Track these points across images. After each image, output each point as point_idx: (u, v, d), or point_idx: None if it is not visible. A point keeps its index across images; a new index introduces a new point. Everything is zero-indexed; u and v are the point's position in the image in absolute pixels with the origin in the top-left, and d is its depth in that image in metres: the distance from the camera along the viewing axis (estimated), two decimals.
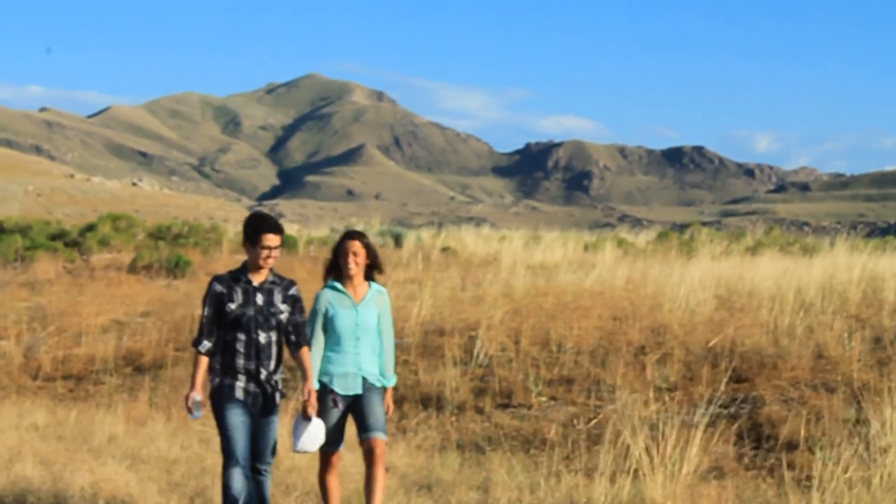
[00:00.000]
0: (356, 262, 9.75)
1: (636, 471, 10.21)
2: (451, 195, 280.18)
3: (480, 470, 11.49)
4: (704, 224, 70.60)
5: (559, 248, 32.49)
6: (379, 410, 9.68)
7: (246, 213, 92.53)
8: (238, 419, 9.19)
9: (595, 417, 12.77)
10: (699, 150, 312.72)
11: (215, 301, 9.29)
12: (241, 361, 9.25)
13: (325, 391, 9.62)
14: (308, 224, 67.88)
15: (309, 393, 9.34)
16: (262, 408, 9.33)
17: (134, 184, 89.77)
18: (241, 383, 9.25)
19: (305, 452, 9.59)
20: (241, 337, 9.25)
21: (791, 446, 11.20)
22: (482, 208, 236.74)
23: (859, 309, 17.55)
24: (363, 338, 9.74)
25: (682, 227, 56.13)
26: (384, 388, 9.85)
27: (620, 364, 14.23)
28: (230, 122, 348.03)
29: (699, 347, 14.72)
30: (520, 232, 41.63)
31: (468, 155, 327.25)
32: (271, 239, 9.31)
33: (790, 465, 10.69)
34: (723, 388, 13.22)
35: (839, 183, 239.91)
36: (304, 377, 9.39)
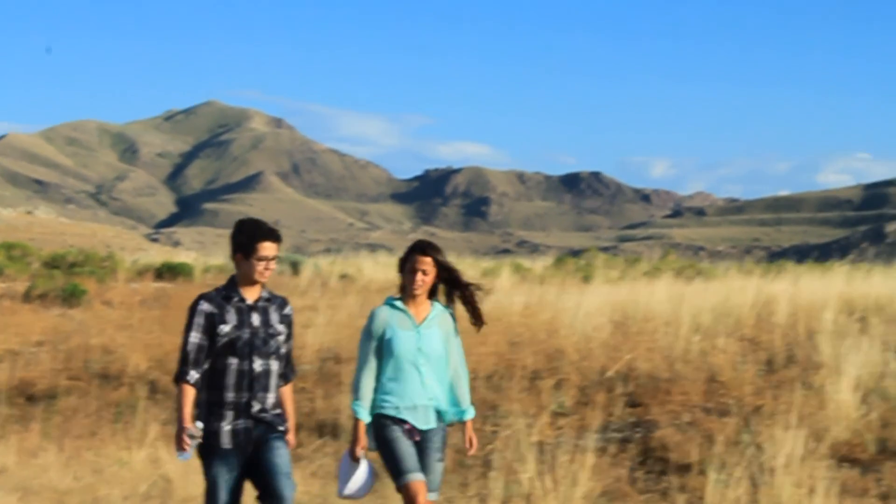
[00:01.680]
0: (424, 281, 8.49)
1: (529, 496, 10.25)
2: (350, 222, 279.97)
3: (376, 497, 11.47)
4: (602, 249, 71.17)
5: None
6: (438, 466, 8.44)
7: (143, 242, 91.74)
8: (223, 477, 8.06)
9: (490, 443, 12.79)
10: (596, 175, 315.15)
11: (206, 323, 8.03)
12: (229, 395, 8.04)
13: (393, 423, 8.34)
14: (206, 252, 67.44)
15: (289, 443, 8.20)
16: (260, 439, 8.09)
17: (29, 212, 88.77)
18: (226, 425, 8.01)
19: (354, 499, 8.47)
20: (234, 364, 8.03)
21: (684, 469, 11.30)
22: (381, 235, 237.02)
23: (753, 332, 17.75)
24: (426, 364, 8.44)
25: (580, 253, 56.51)
26: (457, 423, 8.61)
27: (516, 389, 14.27)
28: (128, 150, 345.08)
29: (595, 372, 14.80)
30: None
31: (367, 181, 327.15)
32: (269, 248, 8.11)
33: (683, 488, 10.78)
34: (618, 412, 13.32)
35: (734, 208, 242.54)
36: (274, 424, 8.15)
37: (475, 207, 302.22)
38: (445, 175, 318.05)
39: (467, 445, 8.60)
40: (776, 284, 23.00)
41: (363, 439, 8.33)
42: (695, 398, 13.87)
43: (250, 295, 8.16)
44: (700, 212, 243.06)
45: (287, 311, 8.31)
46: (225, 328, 8.02)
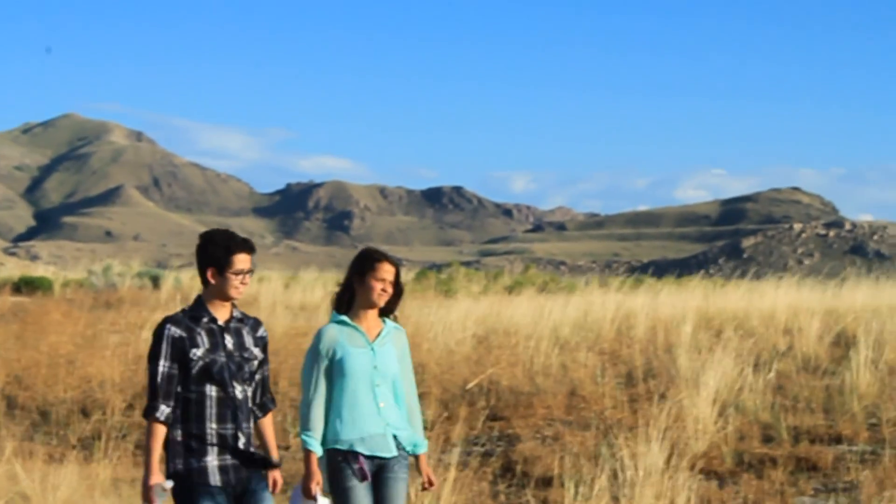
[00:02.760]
0: (388, 293, 7.68)
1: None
2: None
3: None
4: (464, 263, 71.35)
5: (319, 288, 32.50)
6: (401, 499, 7.63)
7: (0, 255, 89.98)
8: None
9: None
10: (458, 190, 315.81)
11: (174, 349, 7.10)
12: (212, 426, 7.09)
13: (342, 459, 7.47)
14: (65, 266, 66.44)
15: (273, 481, 7.30)
16: (247, 485, 7.18)
17: None
18: (213, 460, 7.09)
19: None
20: (213, 393, 7.10)
21: (545, 483, 11.38)
22: None
23: (613, 346, 17.96)
24: (383, 384, 7.60)
25: (442, 267, 56.64)
26: (416, 456, 7.76)
27: None
28: None
29: (457, 386, 14.86)
30: (280, 272, 41.47)
31: (229, 195, 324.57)
32: (244, 260, 7.23)
33: (544, 501, 10.86)
34: (480, 426, 13.38)
35: (594, 223, 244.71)
36: (268, 459, 7.31)
37: (337, 221, 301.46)
38: (307, 189, 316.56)
39: (424, 482, 7.74)
40: (636, 299, 23.29)
41: (317, 474, 7.46)
42: (556, 412, 13.98)
43: (220, 314, 7.27)
44: (561, 226, 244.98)
45: (261, 332, 7.42)
46: (197, 352, 7.10)
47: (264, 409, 7.41)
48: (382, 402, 7.57)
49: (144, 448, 7.12)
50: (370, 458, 7.51)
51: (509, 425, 13.53)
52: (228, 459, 7.12)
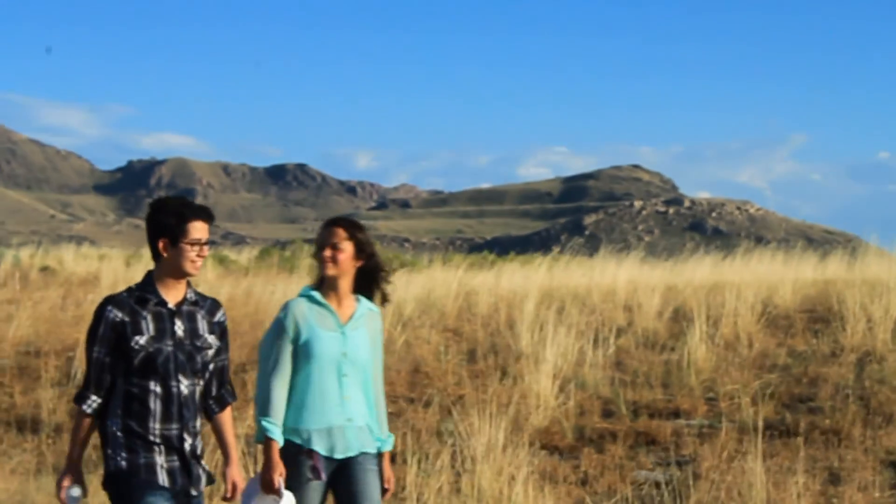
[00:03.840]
0: (335, 261, 6.81)
1: (220, 488, 10.21)
2: (52, 213, 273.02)
3: None
4: (308, 241, 71.17)
5: None
6: (376, 490, 6.86)
7: None
8: None
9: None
10: (302, 167, 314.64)
11: (112, 334, 6.27)
12: (155, 425, 6.29)
13: (297, 453, 6.72)
14: None
15: (233, 484, 6.57)
16: (188, 492, 6.40)
17: None
18: (160, 460, 6.29)
19: None
20: (155, 387, 6.27)
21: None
22: (84, 227, 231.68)
23: (456, 323, 18.06)
24: (351, 374, 6.79)
25: (286, 244, 56.40)
26: (379, 454, 6.97)
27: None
28: None
29: None
30: (122, 250, 40.99)
31: (69, 173, 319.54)
32: (201, 228, 6.36)
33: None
34: None
35: (438, 200, 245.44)
36: (227, 457, 6.57)
37: None
38: (149, 166, 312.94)
39: (384, 483, 6.95)
40: (479, 276, 23.45)
41: (280, 465, 6.64)
42: (399, 389, 14.04)
43: (172, 296, 6.39)
44: (405, 204, 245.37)
45: (219, 317, 6.55)
46: (140, 340, 6.25)
47: (222, 403, 6.59)
48: (347, 394, 6.79)
49: (70, 441, 6.40)
50: (327, 458, 6.74)
51: None
52: (176, 462, 6.32)
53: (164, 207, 6.40)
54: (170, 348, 6.29)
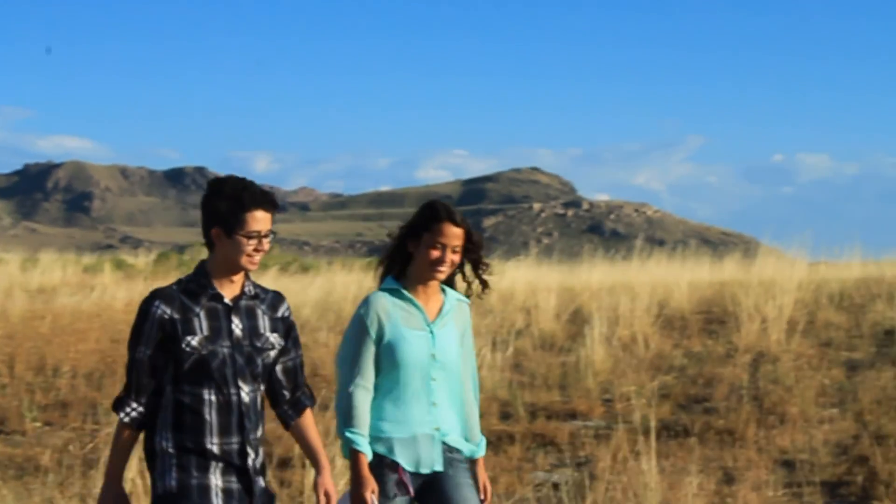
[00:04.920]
0: (453, 263, 6.14)
1: (131, 494, 10.12)
2: None
3: None
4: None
5: (58, 270, 31.87)
6: (473, 501, 6.15)
7: None
8: None
9: (91, 441, 12.57)
10: (201, 170, 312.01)
11: (159, 334, 5.48)
12: (212, 441, 5.46)
13: (381, 466, 6.01)
14: None
15: (326, 494, 5.74)
16: None
17: None
18: (216, 480, 5.46)
19: None
20: (210, 395, 5.46)
21: (284, 463, 11.40)
22: None
23: None
24: (441, 378, 6.11)
25: (185, 248, 56.07)
26: (472, 461, 6.33)
27: (118, 387, 14.06)
28: None
29: None
30: (16, 254, 40.51)
31: None
32: (262, 219, 5.58)
33: (283, 483, 10.88)
34: None
35: (337, 203, 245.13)
36: (317, 465, 5.76)
37: (77, 203, 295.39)
38: (46, 169, 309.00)
39: (481, 494, 6.28)
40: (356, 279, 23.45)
41: (371, 480, 5.92)
42: None
43: (229, 290, 5.59)
44: (304, 207, 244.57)
45: (283, 311, 5.74)
46: (192, 341, 5.45)
47: (298, 408, 5.80)
48: (436, 400, 6.12)
49: (110, 455, 5.60)
50: (415, 475, 6.08)
51: None
52: (234, 482, 5.52)
53: (220, 190, 5.60)
54: (226, 350, 5.49)
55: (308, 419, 5.82)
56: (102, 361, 15.53)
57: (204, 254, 5.72)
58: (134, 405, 5.49)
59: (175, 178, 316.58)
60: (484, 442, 6.40)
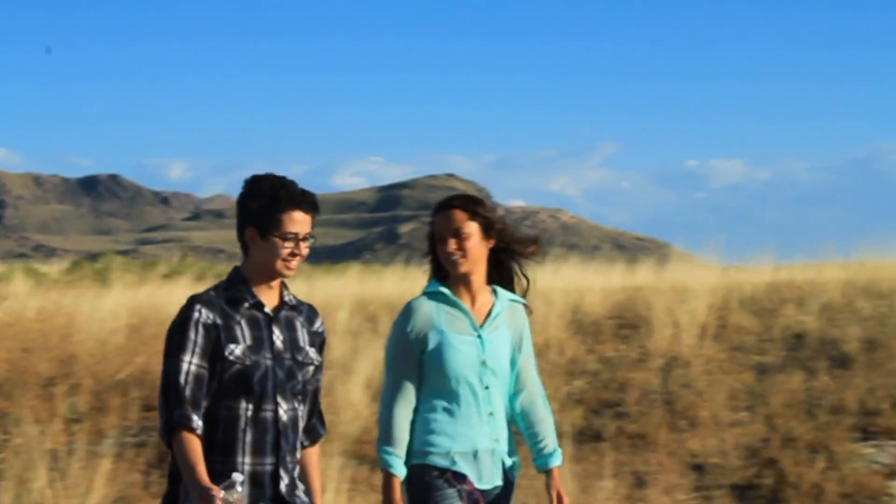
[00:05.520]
0: (464, 252, 5.65)
1: None
2: None
3: None
4: (121, 252, 70.37)
5: None
6: None
7: None
8: None
9: (1, 452, 12.46)
10: (115, 178, 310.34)
11: (207, 341, 5.03)
12: (244, 459, 5.02)
13: (441, 478, 5.54)
14: None
15: None
16: None
17: None
18: None
19: None
20: (247, 411, 5.03)
21: None
22: None
23: None
24: (494, 386, 5.67)
25: (97, 256, 55.68)
26: (547, 472, 5.86)
27: (28, 396, 13.94)
28: None
29: (109, 377, 14.64)
30: None
31: None
32: (300, 221, 5.16)
33: None
34: (133, 416, 13.24)
35: None
36: (310, 495, 5.28)
37: None
38: None
39: (553, 502, 5.76)
40: (292, 287, 23.38)
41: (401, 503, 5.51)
42: None
43: (267, 298, 5.20)
44: (219, 214, 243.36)
45: (318, 326, 5.35)
46: (235, 349, 5.03)
47: (312, 437, 5.37)
48: (492, 409, 5.66)
49: (182, 467, 4.91)
50: (484, 491, 5.61)
51: None
52: None
53: (256, 188, 5.21)
54: (269, 362, 5.06)
55: (316, 451, 5.40)
56: (13, 371, 15.36)
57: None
58: (196, 416, 4.93)
59: (89, 185, 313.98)
60: (560, 452, 5.87)
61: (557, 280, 23.87)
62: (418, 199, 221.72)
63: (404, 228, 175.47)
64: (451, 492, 5.50)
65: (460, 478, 5.53)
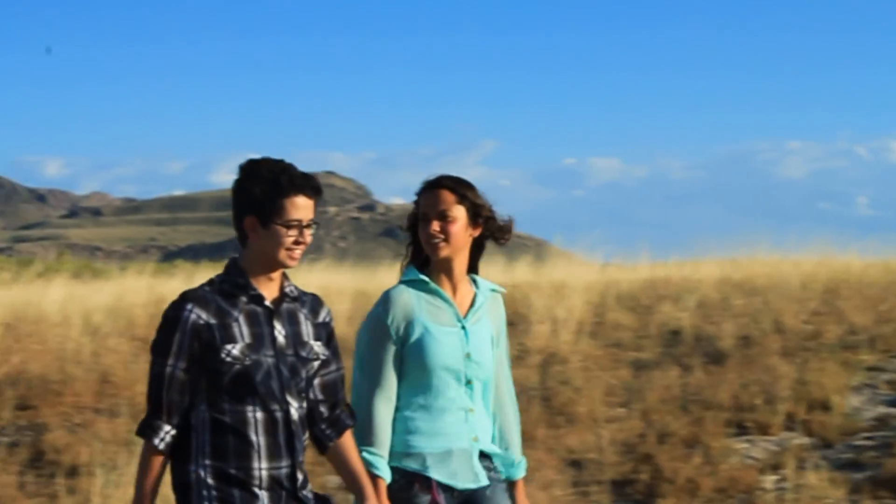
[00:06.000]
0: (446, 236, 5.29)
1: None
2: None
3: None
4: None
5: None
6: None
7: None
8: None
9: None
10: None
11: (194, 344, 4.75)
12: (261, 465, 4.77)
13: (407, 484, 5.24)
14: None
15: None
16: None
17: None
18: None
19: None
20: (255, 413, 4.77)
21: (73, 471, 11.25)
22: None
23: (145, 332, 17.80)
24: (476, 380, 5.33)
25: None
26: (511, 483, 5.52)
27: None
28: None
29: None
30: None
31: None
32: (303, 207, 4.84)
33: (72, 490, 10.73)
34: (7, 416, 13.07)
35: (131, 208, 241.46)
36: (361, 495, 5.00)
37: None
38: None
39: None
40: (169, 284, 23.20)
41: None
42: (86, 399, 13.78)
43: (267, 291, 4.89)
44: (97, 212, 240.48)
45: (324, 317, 5.08)
46: (233, 350, 4.75)
47: (339, 428, 5.08)
48: (472, 405, 5.34)
49: (135, 483, 4.85)
50: (447, 488, 5.26)
51: (38, 414, 13.24)
52: None
53: (255, 173, 4.85)
54: (270, 360, 4.80)
55: (349, 441, 5.08)
56: None
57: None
58: (167, 428, 4.76)
59: None
60: (525, 462, 5.57)
61: None
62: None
63: None
64: (414, 497, 5.21)
65: (426, 483, 5.22)
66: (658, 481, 11.02)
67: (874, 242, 24.36)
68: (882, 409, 13.13)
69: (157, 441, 4.75)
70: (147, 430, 4.80)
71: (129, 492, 9.68)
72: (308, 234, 4.83)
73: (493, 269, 26.29)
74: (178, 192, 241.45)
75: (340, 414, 5.08)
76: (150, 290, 20.96)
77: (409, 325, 5.22)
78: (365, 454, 5.14)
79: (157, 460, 4.76)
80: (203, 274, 27.76)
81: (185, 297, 4.79)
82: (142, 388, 13.82)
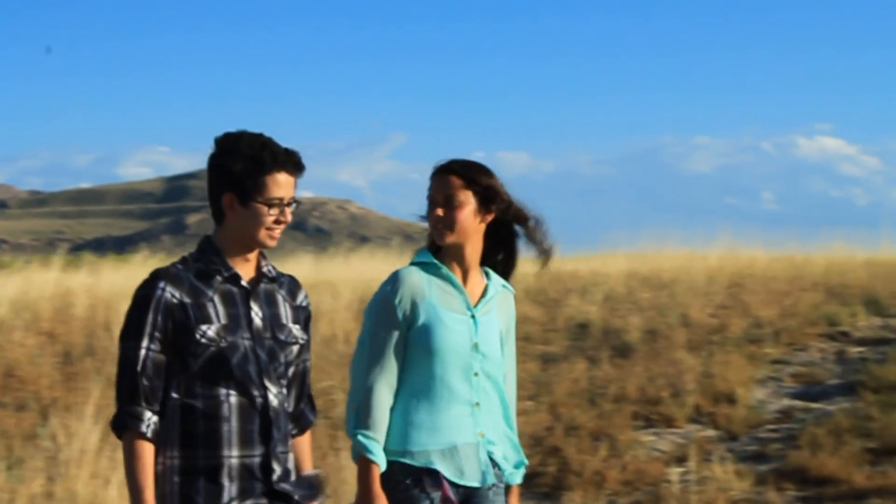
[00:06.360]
0: (449, 223, 5.01)
1: None
2: None
3: None
4: None
5: None
6: None
7: None
8: None
9: None
10: None
11: (168, 323, 4.42)
12: (231, 452, 4.45)
13: (414, 482, 4.88)
14: None
15: (376, 500, 4.78)
16: None
17: None
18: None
19: None
20: (230, 398, 4.45)
21: None
22: None
23: (51, 325, 17.66)
24: (483, 373, 5.03)
25: None
26: (507, 488, 5.17)
27: None
28: None
29: None
30: None
31: None
32: (284, 184, 4.54)
33: None
34: None
35: (37, 200, 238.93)
36: (309, 492, 4.71)
37: None
38: None
39: None
40: (76, 277, 23.01)
41: (381, 497, 4.80)
42: None
43: (244, 271, 4.59)
44: (2, 204, 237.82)
45: (301, 300, 4.75)
46: (208, 330, 4.43)
47: (302, 424, 4.82)
48: (479, 399, 5.02)
49: (127, 480, 4.38)
50: (452, 484, 4.93)
51: None
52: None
53: (234, 148, 4.54)
54: (247, 342, 4.49)
55: (307, 440, 4.83)
56: None
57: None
58: (149, 414, 4.39)
59: None
60: (523, 468, 5.24)
61: (346, 271, 23.93)
62: (206, 190, 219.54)
63: (192, 219, 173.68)
64: (420, 495, 4.87)
65: (434, 479, 4.89)
66: (565, 474, 11.08)
67: (779, 237, 24.73)
68: (786, 402, 13.32)
69: (143, 428, 4.36)
70: (128, 418, 4.39)
71: (35, 485, 9.62)
72: (288, 213, 4.57)
73: (403, 262, 26.37)
74: (86, 185, 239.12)
75: (304, 408, 4.83)
76: (56, 283, 20.75)
77: (417, 306, 4.92)
78: (360, 437, 4.84)
79: (148, 448, 4.37)
80: (109, 267, 27.55)
81: (157, 274, 4.48)
82: (48, 383, 13.74)
